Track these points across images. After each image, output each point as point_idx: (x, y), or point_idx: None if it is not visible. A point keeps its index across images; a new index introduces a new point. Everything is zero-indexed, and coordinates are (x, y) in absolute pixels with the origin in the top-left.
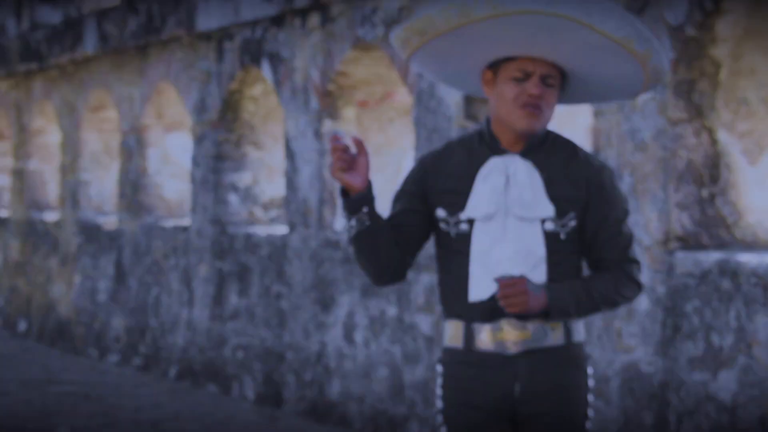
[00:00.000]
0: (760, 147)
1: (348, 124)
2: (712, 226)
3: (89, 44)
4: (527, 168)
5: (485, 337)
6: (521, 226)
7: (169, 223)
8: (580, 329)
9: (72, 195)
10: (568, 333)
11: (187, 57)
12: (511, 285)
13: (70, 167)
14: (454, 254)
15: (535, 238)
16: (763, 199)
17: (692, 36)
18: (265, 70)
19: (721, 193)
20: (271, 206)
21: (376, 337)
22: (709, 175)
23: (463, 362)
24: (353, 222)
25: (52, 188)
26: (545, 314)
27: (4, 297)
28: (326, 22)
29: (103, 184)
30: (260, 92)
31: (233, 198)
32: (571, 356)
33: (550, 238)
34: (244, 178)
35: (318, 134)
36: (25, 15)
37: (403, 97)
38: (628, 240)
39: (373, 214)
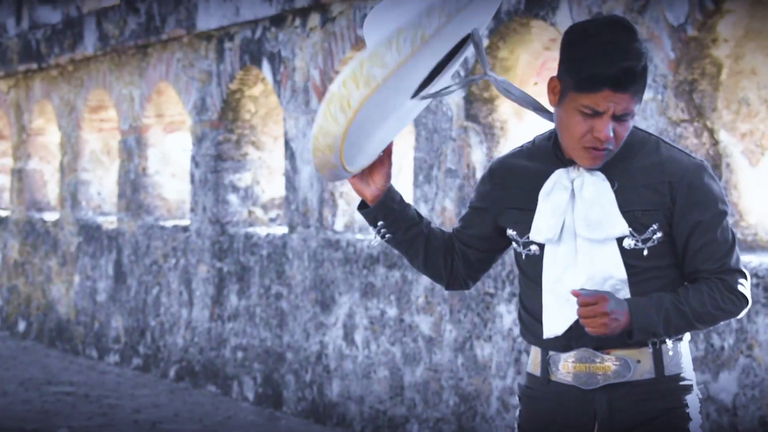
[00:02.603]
0: (761, 148)
1: None
2: None
3: (89, 44)
4: (595, 180)
5: (562, 368)
6: (593, 248)
7: (169, 223)
8: (677, 359)
9: (71, 195)
10: (659, 365)
11: (187, 57)
12: (590, 304)
13: (69, 167)
14: (527, 278)
15: (611, 259)
16: (764, 200)
17: (693, 36)
18: (265, 70)
19: None
20: (271, 206)
21: (376, 337)
22: None
23: (541, 396)
24: (375, 235)
25: (51, 188)
26: (629, 333)
27: (3, 297)
28: (326, 22)
29: (102, 184)
30: (260, 92)
31: (233, 198)
32: (661, 390)
33: (632, 256)
34: (244, 178)
35: None
36: (25, 15)
37: None
38: (727, 246)
39: (393, 225)
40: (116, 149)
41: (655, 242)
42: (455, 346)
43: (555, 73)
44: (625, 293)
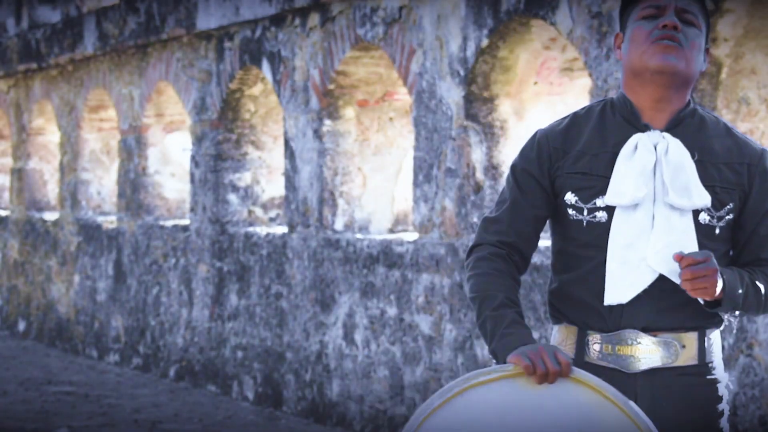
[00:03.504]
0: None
1: (348, 124)
2: None
3: (89, 43)
4: (678, 147)
5: (603, 349)
6: (672, 216)
7: (169, 223)
8: (715, 347)
9: (71, 194)
10: (702, 351)
11: (187, 56)
12: (701, 262)
13: (69, 167)
14: (583, 247)
15: (687, 231)
16: None
17: None
18: (265, 69)
19: None
20: (271, 206)
21: (376, 337)
22: None
23: None
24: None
25: (51, 188)
26: (714, 302)
27: (3, 297)
28: (326, 22)
29: (102, 184)
30: (260, 92)
31: (233, 198)
32: (702, 378)
33: (704, 232)
34: (243, 178)
35: (318, 134)
36: (25, 14)
37: (403, 96)
38: None
39: None
40: (116, 149)
41: (725, 222)
42: (455, 345)
43: (556, 75)
44: None
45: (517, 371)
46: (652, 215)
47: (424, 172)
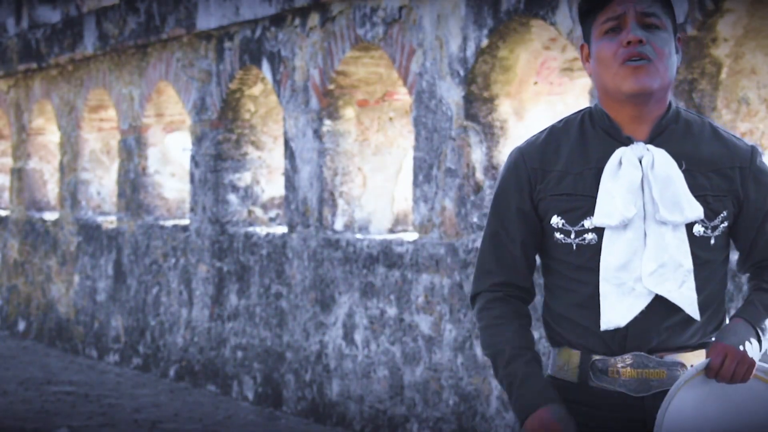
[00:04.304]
0: (761, 147)
1: (348, 124)
2: None
3: (89, 43)
4: (664, 159)
5: (611, 374)
6: (664, 232)
7: (169, 223)
8: None
9: (71, 194)
10: None
11: (187, 56)
12: (721, 365)
13: (69, 167)
14: (576, 271)
15: (681, 246)
16: None
17: (693, 36)
18: (265, 69)
19: None
20: (271, 206)
21: (375, 337)
22: None
23: (576, 401)
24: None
25: (51, 188)
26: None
27: (3, 296)
28: (326, 22)
29: (102, 184)
30: (260, 92)
31: (233, 198)
32: None
33: (699, 244)
34: (243, 178)
35: (318, 134)
36: (25, 14)
37: (403, 96)
38: None
39: None
40: (116, 149)
41: (720, 231)
42: (455, 345)
43: (556, 75)
44: (689, 285)
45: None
46: (644, 233)
47: (424, 172)
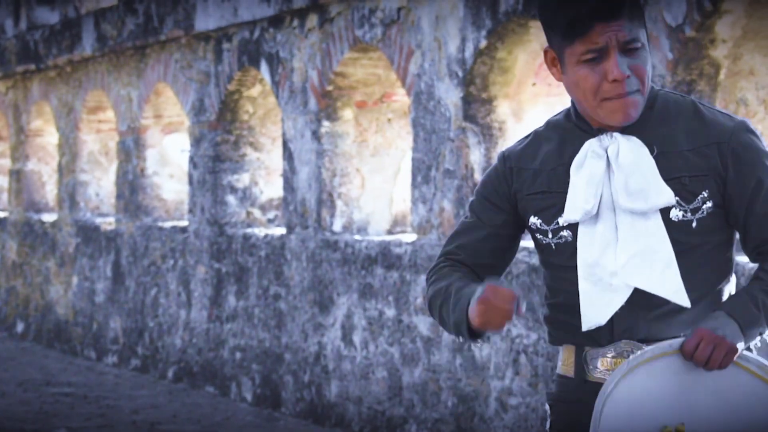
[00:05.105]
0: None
1: (346, 125)
2: None
3: (87, 45)
4: (631, 145)
5: (600, 364)
6: (635, 221)
7: (167, 224)
8: None
9: (70, 196)
10: None
11: (185, 58)
12: (698, 344)
13: (67, 168)
14: (558, 269)
15: (656, 234)
16: None
17: (691, 37)
18: (264, 70)
19: None
20: (269, 207)
21: (374, 338)
22: None
23: (575, 399)
24: (462, 340)
25: (49, 189)
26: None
27: (1, 298)
28: (324, 23)
29: (100, 185)
30: (258, 93)
31: (231, 199)
32: None
33: (680, 230)
34: (242, 179)
35: (316, 135)
36: (23, 15)
37: (401, 97)
38: None
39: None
40: (114, 150)
41: (704, 213)
42: (453, 346)
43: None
44: (673, 274)
45: (674, 351)
46: (615, 225)
47: (422, 173)
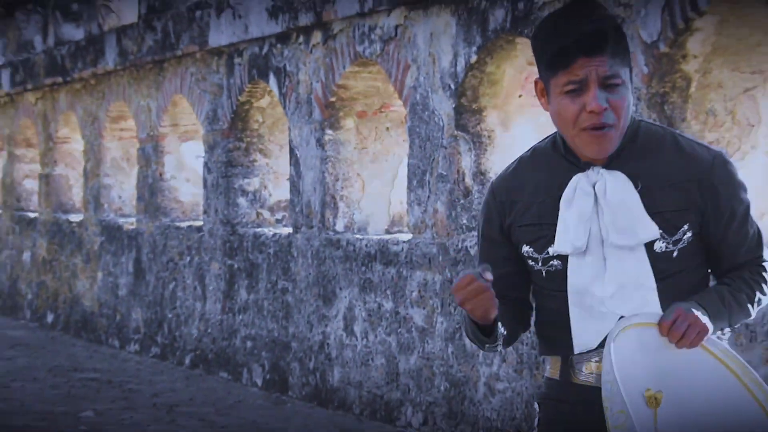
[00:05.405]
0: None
1: (348, 134)
2: None
3: (110, 59)
4: (617, 181)
5: (585, 368)
6: (622, 254)
7: (184, 224)
8: None
9: (94, 198)
10: None
11: (200, 71)
12: (677, 320)
13: (92, 172)
14: (549, 292)
15: (640, 267)
16: None
17: (665, 52)
18: (272, 83)
19: None
20: (277, 208)
21: (373, 328)
22: None
23: (561, 400)
24: (485, 346)
25: (76, 192)
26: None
27: (32, 291)
28: (328, 39)
29: (123, 188)
30: (267, 104)
31: (242, 201)
32: None
33: (661, 259)
34: (252, 183)
35: (320, 142)
36: (51, 32)
37: (399, 108)
38: (758, 234)
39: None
40: (135, 156)
41: (685, 243)
42: (446, 336)
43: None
44: (653, 301)
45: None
46: (603, 257)
47: (417, 177)
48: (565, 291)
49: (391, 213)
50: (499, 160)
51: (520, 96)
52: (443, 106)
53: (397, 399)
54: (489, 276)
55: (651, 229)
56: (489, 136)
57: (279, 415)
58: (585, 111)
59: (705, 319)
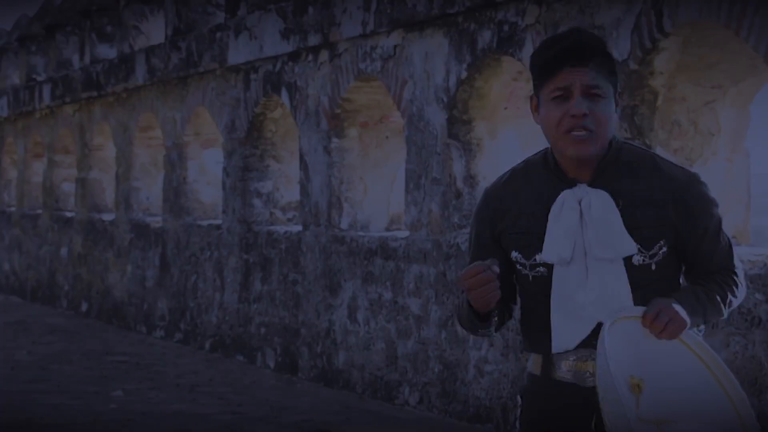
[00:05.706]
0: (690, 161)
1: (351, 142)
2: None
3: (139, 75)
4: (601, 199)
5: (564, 366)
6: (603, 266)
7: (205, 223)
8: None
9: (125, 199)
10: None
11: (220, 86)
12: (659, 314)
13: (123, 176)
14: (533, 296)
15: (618, 278)
16: None
17: (634, 69)
18: (284, 96)
19: None
20: (289, 209)
21: (374, 316)
22: None
23: (541, 393)
24: (478, 331)
25: (109, 194)
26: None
27: (69, 283)
28: (334, 58)
29: (150, 191)
30: (280, 115)
31: (257, 202)
32: None
33: (639, 271)
34: (266, 186)
35: (327, 150)
36: (87, 51)
37: (397, 119)
38: (728, 246)
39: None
40: (162, 162)
41: (661, 257)
42: (440, 323)
43: (522, 101)
44: (628, 309)
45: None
46: (586, 268)
47: (414, 181)
48: (549, 295)
49: (390, 213)
50: (487, 165)
51: (505, 108)
52: (437, 117)
53: (396, 380)
54: (496, 269)
55: (629, 245)
56: (478, 144)
57: (290, 394)
58: (568, 115)
59: (684, 314)
